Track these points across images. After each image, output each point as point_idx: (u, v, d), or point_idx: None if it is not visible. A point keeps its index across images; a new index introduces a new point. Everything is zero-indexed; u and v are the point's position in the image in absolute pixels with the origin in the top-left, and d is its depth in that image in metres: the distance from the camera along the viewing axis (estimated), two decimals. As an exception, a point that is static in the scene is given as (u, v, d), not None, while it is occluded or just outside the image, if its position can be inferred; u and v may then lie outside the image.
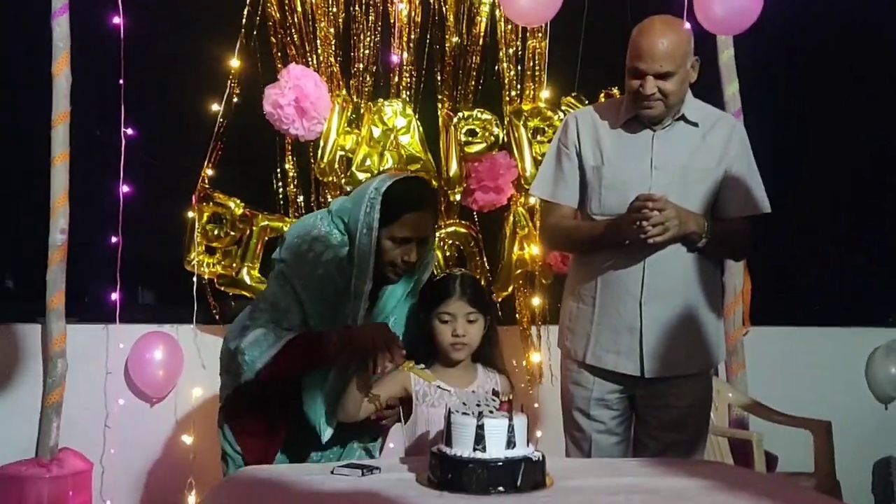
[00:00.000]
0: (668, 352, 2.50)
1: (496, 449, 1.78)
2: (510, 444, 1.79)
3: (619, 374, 2.53)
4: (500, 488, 1.76)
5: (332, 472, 1.93)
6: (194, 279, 3.62)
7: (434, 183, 3.74)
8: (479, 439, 1.78)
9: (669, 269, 2.48)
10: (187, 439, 3.67)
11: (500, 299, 3.81)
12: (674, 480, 1.91)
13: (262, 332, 2.18)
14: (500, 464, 1.76)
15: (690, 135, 2.53)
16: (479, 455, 1.77)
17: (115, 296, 3.74)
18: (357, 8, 3.72)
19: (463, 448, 1.79)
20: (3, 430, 3.62)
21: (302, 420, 2.26)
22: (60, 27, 3.56)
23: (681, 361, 2.51)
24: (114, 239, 3.71)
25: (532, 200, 3.76)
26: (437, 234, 3.76)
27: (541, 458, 1.83)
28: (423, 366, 2.26)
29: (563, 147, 2.62)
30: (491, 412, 1.85)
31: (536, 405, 3.91)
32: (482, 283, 3.75)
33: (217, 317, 3.69)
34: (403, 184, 2.28)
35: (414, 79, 3.79)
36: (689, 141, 2.52)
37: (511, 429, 1.79)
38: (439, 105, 3.84)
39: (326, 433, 2.25)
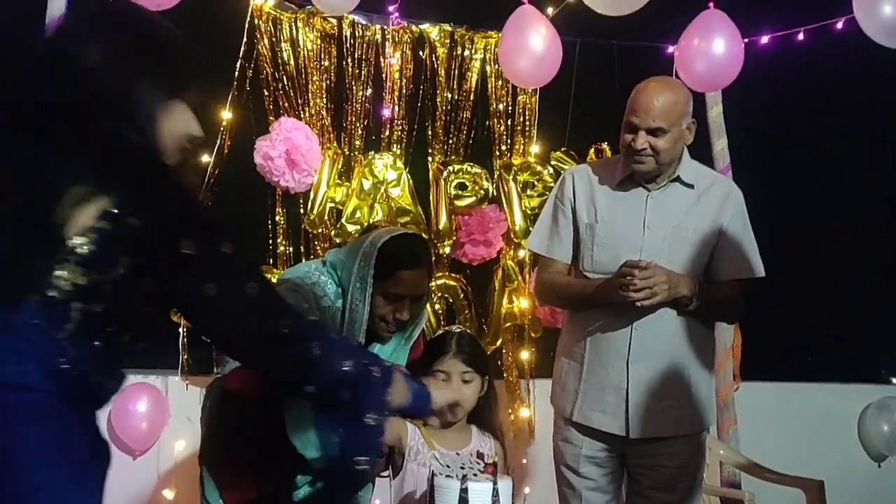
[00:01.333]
0: (656, 413, 2.47)
1: (480, 513, 1.74)
2: (495, 508, 1.75)
3: (605, 434, 2.51)
4: (484, 554, 1.72)
5: (312, 535, 1.89)
6: (181, 329, 3.59)
7: (425, 236, 3.75)
8: (463, 503, 1.74)
9: (658, 331, 2.46)
10: (169, 494, 3.60)
11: (488, 353, 3.78)
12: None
13: None
14: (484, 529, 1.73)
15: (685, 196, 2.54)
16: (462, 520, 1.73)
17: (99, 346, 3.69)
18: (349, 62, 3.76)
19: (446, 512, 1.75)
20: (-19, 484, 3.54)
21: (289, 468, 2.20)
22: (53, 78, 3.58)
23: (669, 423, 2.49)
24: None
25: (521, 254, 3.77)
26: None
27: (526, 523, 1.79)
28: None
29: (559, 203, 2.63)
30: (475, 475, 1.82)
31: (525, 461, 3.86)
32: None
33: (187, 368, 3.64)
34: (400, 240, 2.25)
35: (405, 132, 3.82)
36: (684, 202, 2.53)
37: (496, 493, 1.76)
38: (430, 159, 3.86)
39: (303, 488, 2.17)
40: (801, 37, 3.84)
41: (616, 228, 2.52)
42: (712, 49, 3.46)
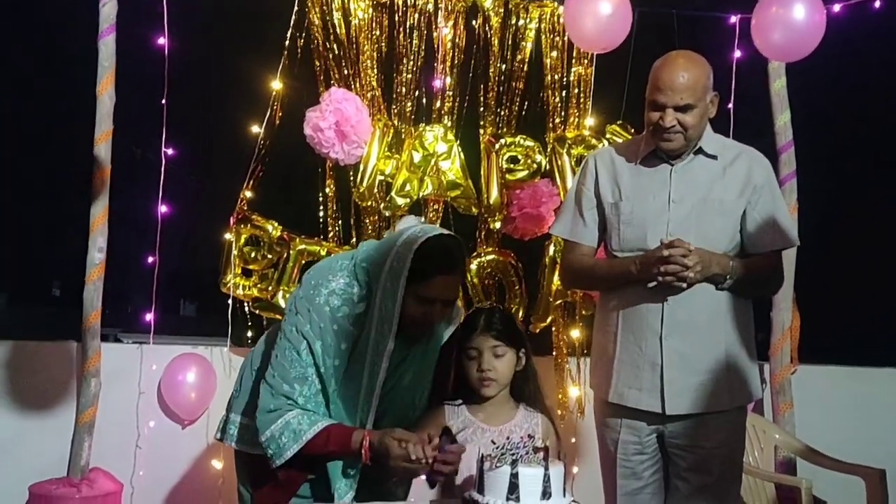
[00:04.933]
0: (692, 388, 2.45)
1: (531, 499, 1.69)
2: (546, 494, 1.70)
3: (642, 412, 2.48)
4: (534, 541, 1.67)
5: (359, 516, 1.86)
6: (230, 301, 3.60)
7: (475, 210, 3.69)
8: (513, 488, 1.70)
9: (691, 304, 2.44)
10: (217, 464, 3.63)
11: (538, 330, 3.72)
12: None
13: (291, 419, 2.13)
14: (535, 516, 1.68)
15: (710, 168, 2.52)
16: (512, 505, 1.69)
17: (149, 316, 3.73)
18: (401, 32, 3.69)
19: (496, 497, 1.71)
20: (36, 448, 3.61)
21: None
22: (106, 47, 3.58)
23: (706, 398, 2.45)
24: (150, 259, 3.71)
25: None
26: (478, 262, 3.70)
27: (578, 510, 1.73)
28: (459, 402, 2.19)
29: (581, 187, 2.65)
30: (526, 454, 1.77)
31: (574, 440, 3.80)
32: (519, 313, 3.68)
33: (251, 340, 3.65)
34: (435, 241, 2.16)
35: (456, 104, 3.74)
36: (709, 174, 2.51)
37: (547, 478, 1.70)
38: (481, 131, 3.79)
39: (345, 497, 2.17)
40: (877, 4, 3.66)
41: (641, 205, 2.51)
42: (792, 16, 3.32)
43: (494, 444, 1.81)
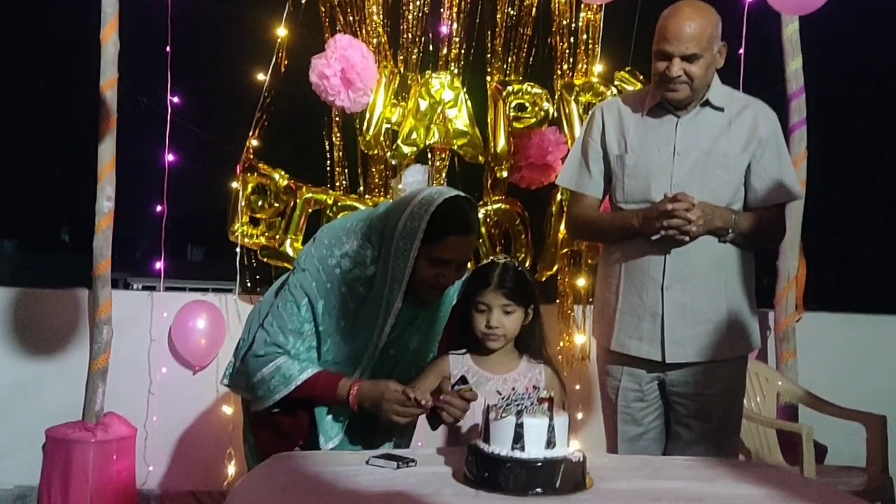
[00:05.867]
0: (693, 337, 2.47)
1: (535, 448, 1.72)
2: (550, 443, 1.73)
3: (643, 361, 2.51)
4: (539, 489, 1.70)
5: (367, 462, 1.90)
6: (237, 250, 3.62)
7: (482, 158, 3.67)
8: (518, 438, 1.72)
9: (693, 255, 2.44)
10: (227, 410, 3.69)
11: (544, 278, 3.74)
12: (721, 486, 1.84)
13: (282, 363, 2.17)
14: (539, 464, 1.71)
15: (715, 120, 2.50)
16: (517, 454, 1.71)
17: (159, 264, 3.77)
18: (406, -24, 3.63)
19: (501, 446, 1.73)
20: (51, 393, 3.68)
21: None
22: (109, -7, 3.54)
23: (706, 348, 2.48)
24: (158, 207, 3.72)
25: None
26: (485, 211, 3.70)
27: (581, 459, 1.76)
28: (463, 351, 2.23)
29: (588, 138, 2.63)
30: (531, 405, 1.79)
31: (578, 387, 3.85)
32: (526, 262, 3.69)
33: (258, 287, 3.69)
34: (451, 203, 2.13)
35: (463, 50, 3.70)
36: (714, 126, 2.49)
37: (551, 428, 1.73)
38: (488, 78, 3.75)
39: (330, 443, 2.22)
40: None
41: (646, 157, 2.50)
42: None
43: (500, 394, 1.83)
